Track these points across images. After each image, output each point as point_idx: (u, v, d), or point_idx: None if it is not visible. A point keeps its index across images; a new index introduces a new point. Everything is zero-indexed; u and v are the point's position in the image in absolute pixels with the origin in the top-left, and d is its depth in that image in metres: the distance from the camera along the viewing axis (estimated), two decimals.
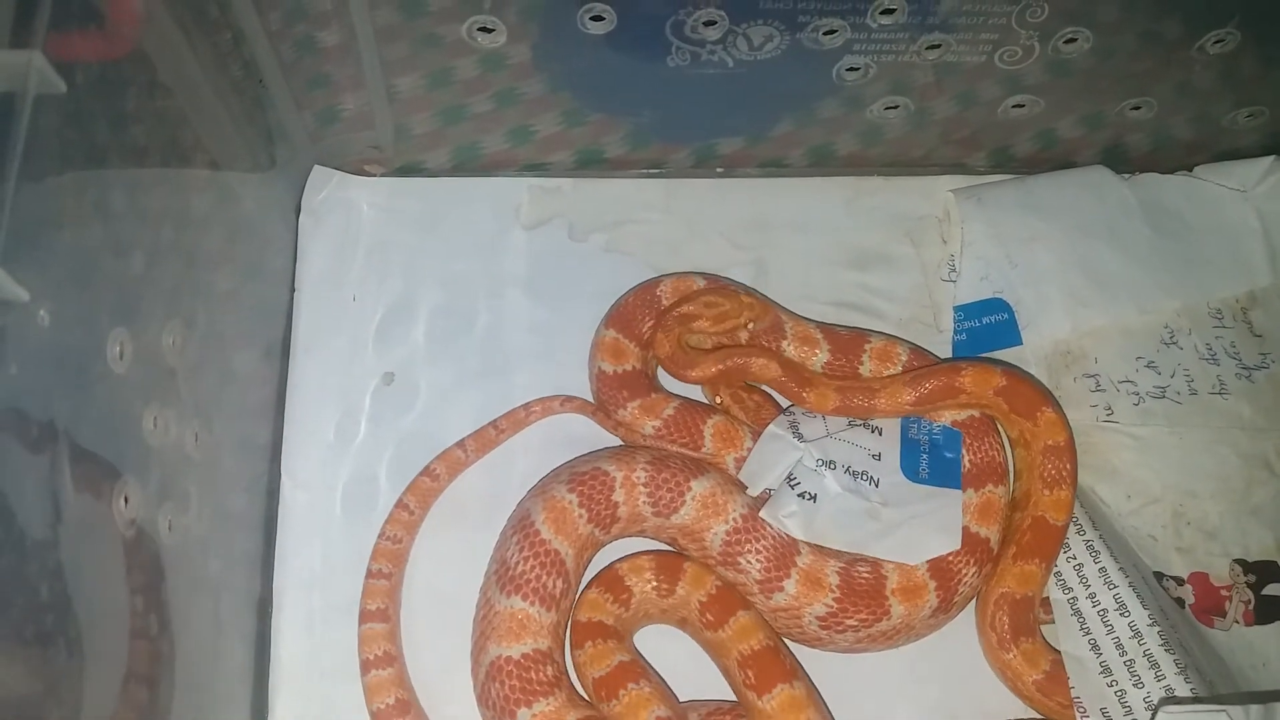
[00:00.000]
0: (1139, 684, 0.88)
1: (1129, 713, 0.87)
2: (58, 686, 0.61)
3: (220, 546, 0.87)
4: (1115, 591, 0.92)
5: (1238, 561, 1.01)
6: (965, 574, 0.93)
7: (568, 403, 1.03)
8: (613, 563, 0.95)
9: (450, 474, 1.00)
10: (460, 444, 1.01)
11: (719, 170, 1.16)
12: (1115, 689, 0.88)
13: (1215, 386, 1.07)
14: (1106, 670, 0.89)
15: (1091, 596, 0.93)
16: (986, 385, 0.97)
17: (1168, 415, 1.05)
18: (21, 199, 0.58)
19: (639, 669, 0.90)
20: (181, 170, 0.86)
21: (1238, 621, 0.98)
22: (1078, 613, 0.93)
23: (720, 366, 0.99)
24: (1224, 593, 0.99)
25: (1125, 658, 0.89)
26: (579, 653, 0.91)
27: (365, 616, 0.94)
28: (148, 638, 0.72)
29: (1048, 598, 0.96)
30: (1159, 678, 0.88)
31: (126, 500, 0.69)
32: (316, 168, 1.11)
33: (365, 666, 0.92)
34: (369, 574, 0.95)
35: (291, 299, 1.08)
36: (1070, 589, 0.94)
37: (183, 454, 0.80)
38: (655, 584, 0.93)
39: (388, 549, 0.96)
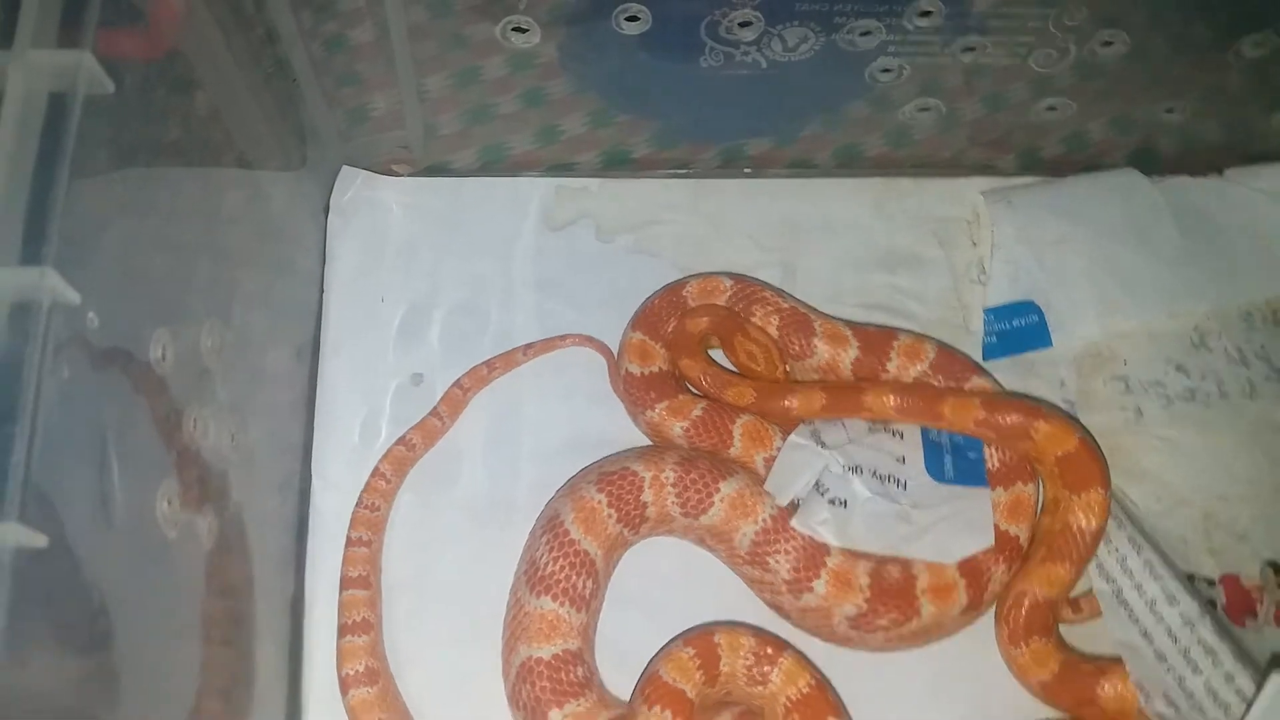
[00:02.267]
0: (1197, 670, 0.87)
1: (1190, 697, 0.86)
2: (106, 689, 0.61)
3: (256, 548, 0.87)
4: (1161, 583, 0.92)
5: (1270, 564, 1.00)
6: (995, 572, 0.93)
7: (567, 339, 1.04)
8: (712, 626, 0.92)
9: (426, 443, 1.01)
10: (434, 411, 1.02)
11: (746, 171, 1.15)
12: (1173, 675, 0.88)
13: (1245, 389, 1.06)
14: (1161, 658, 0.89)
15: (1138, 588, 0.92)
16: (967, 417, 0.95)
17: (1197, 418, 1.05)
18: (71, 201, 0.57)
19: None
20: (215, 169, 0.86)
21: (1269, 623, 0.98)
22: (1124, 603, 0.92)
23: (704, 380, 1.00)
24: (1255, 594, 0.98)
25: (1179, 645, 0.88)
26: (648, 711, 0.85)
27: (346, 583, 0.94)
28: (189, 640, 0.72)
29: (1080, 598, 0.96)
30: (1217, 664, 0.87)
31: (169, 502, 0.69)
32: (345, 167, 1.11)
33: (342, 630, 0.93)
34: (349, 542, 0.96)
35: (321, 299, 1.08)
36: (1114, 579, 0.94)
37: (220, 455, 0.80)
38: (750, 665, 0.88)
39: (366, 517, 0.97)
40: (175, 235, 0.76)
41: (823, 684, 0.88)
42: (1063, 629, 0.97)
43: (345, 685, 0.91)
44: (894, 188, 1.15)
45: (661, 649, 0.91)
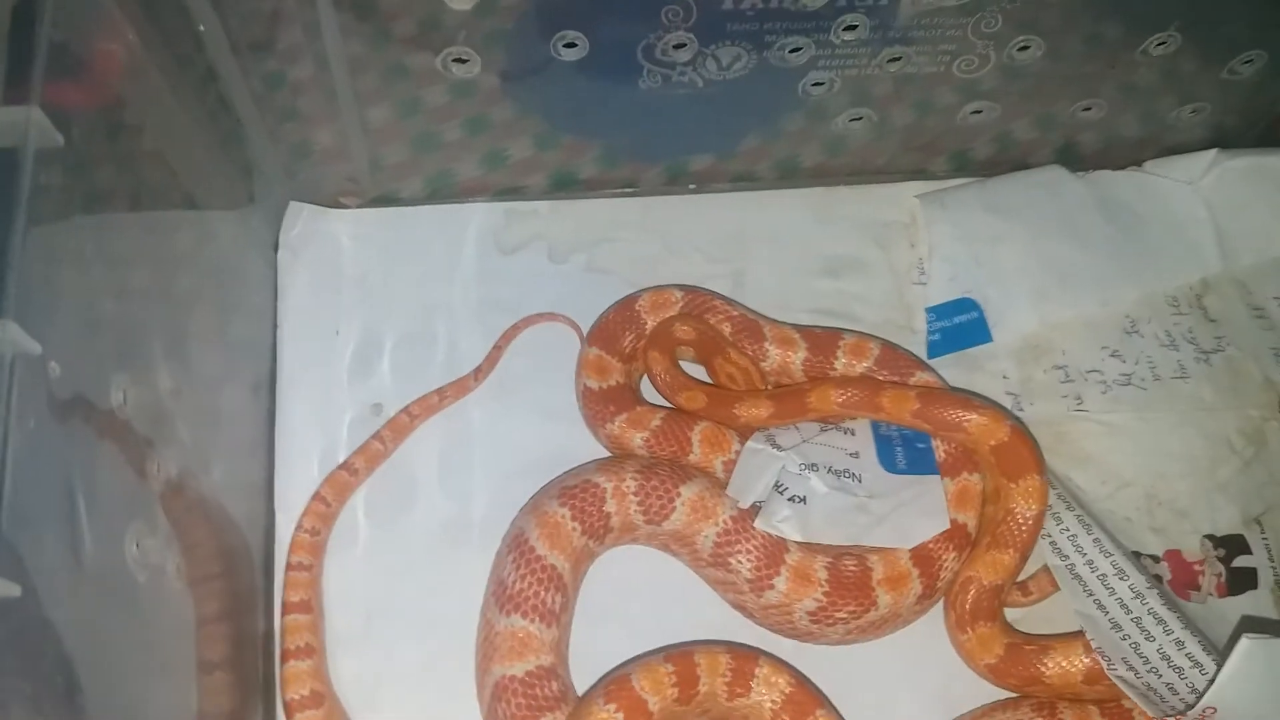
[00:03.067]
0: (1149, 638, 0.91)
1: (1146, 662, 0.90)
2: None
3: (224, 586, 0.87)
4: (1111, 559, 0.96)
5: (1208, 537, 1.05)
6: (946, 560, 0.96)
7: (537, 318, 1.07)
8: (691, 646, 0.93)
9: (369, 466, 1.02)
10: (378, 436, 1.03)
11: (691, 187, 1.18)
12: (1129, 642, 0.91)
13: (1177, 371, 1.11)
14: (1116, 626, 0.93)
15: (1090, 564, 0.96)
16: (904, 409, 0.98)
17: (1134, 401, 1.09)
18: (27, 252, 0.58)
19: None
20: (164, 211, 0.87)
21: (1212, 594, 1.02)
22: (1078, 577, 0.96)
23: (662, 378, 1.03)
24: (1197, 568, 1.03)
25: (1131, 615, 0.93)
26: (602, 706, 0.86)
27: (288, 608, 0.95)
28: (164, 678, 0.72)
29: (1028, 580, 1.00)
30: (1168, 632, 0.91)
31: (138, 545, 0.69)
32: (292, 202, 1.12)
33: (285, 656, 0.93)
34: (289, 566, 0.96)
35: (275, 335, 1.08)
36: (1067, 556, 0.97)
37: (185, 495, 0.81)
38: (729, 681, 0.89)
39: (306, 541, 0.98)
40: (128, 279, 0.77)
41: (802, 680, 0.90)
42: (1018, 612, 1.01)
43: (290, 710, 0.91)
44: (833, 196, 1.18)
45: (639, 656, 0.93)
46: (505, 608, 0.92)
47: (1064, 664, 0.93)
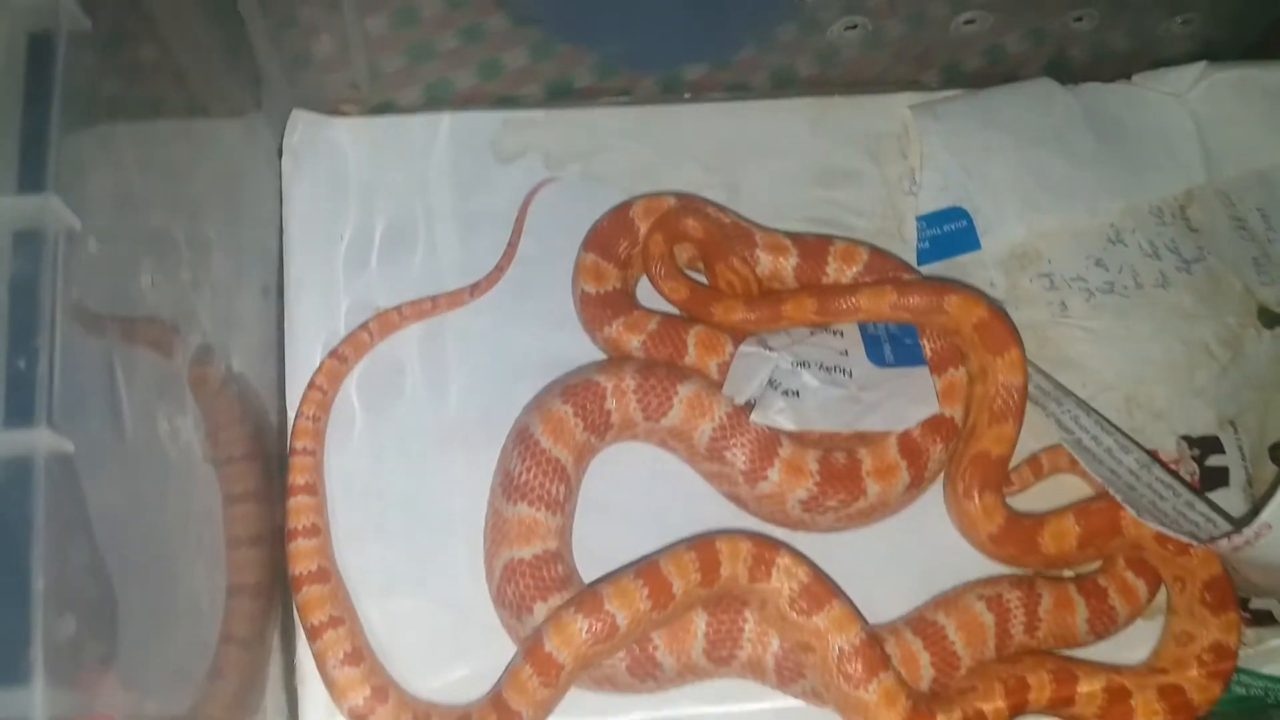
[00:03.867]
0: (1163, 498, 0.98)
1: (1166, 515, 0.96)
2: (120, 613, 0.64)
3: (247, 470, 0.90)
4: (1114, 436, 1.02)
5: (1184, 438, 1.09)
6: (933, 451, 1.00)
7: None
8: (714, 534, 0.95)
9: (356, 355, 1.06)
10: (364, 326, 1.06)
11: (687, 96, 1.19)
12: (1145, 500, 0.98)
13: (1158, 280, 1.14)
14: (1131, 488, 0.98)
15: (1095, 440, 1.02)
16: (882, 303, 1.02)
17: (1117, 309, 1.13)
18: (64, 132, 0.60)
19: None
20: (174, 120, 0.88)
21: None
22: (1086, 449, 1.01)
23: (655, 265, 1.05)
24: (1173, 466, 1.07)
25: (1142, 481, 0.99)
26: (632, 581, 0.91)
27: (293, 490, 0.98)
28: (201, 553, 0.76)
29: (1012, 471, 1.04)
30: (1177, 495, 0.98)
31: (168, 423, 0.72)
32: (295, 110, 1.13)
33: (291, 535, 0.97)
34: (293, 451, 1.00)
35: (281, 240, 1.10)
36: (1071, 430, 1.03)
37: (207, 384, 0.83)
38: (750, 567, 0.92)
39: (307, 427, 1.01)
40: (146, 179, 0.79)
41: (818, 573, 0.94)
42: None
43: (298, 584, 0.95)
44: (827, 106, 1.20)
45: (668, 546, 0.96)
46: (513, 497, 0.96)
47: (1059, 531, 0.99)
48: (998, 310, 1.03)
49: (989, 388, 1.01)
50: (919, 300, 1.02)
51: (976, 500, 1.00)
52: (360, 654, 0.94)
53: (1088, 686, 0.95)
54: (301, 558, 0.96)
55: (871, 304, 1.02)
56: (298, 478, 0.99)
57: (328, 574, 0.96)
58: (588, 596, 0.90)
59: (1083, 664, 0.98)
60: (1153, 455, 1.05)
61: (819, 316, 1.02)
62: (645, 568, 0.92)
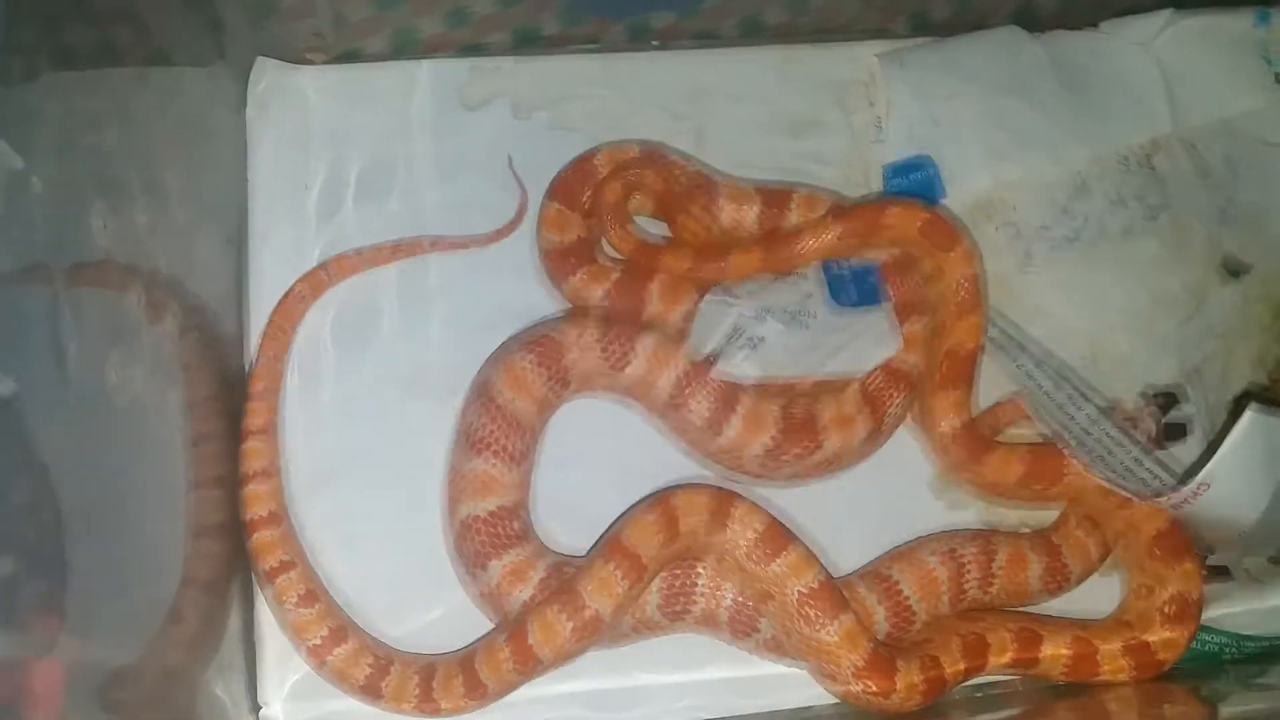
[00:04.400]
0: (1111, 453, 1.00)
1: (1117, 468, 0.99)
2: (69, 556, 0.65)
3: (208, 420, 0.91)
4: (1066, 391, 1.04)
5: (1148, 387, 1.09)
6: (893, 402, 1.01)
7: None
8: (671, 489, 0.97)
9: (314, 294, 1.06)
10: (323, 265, 1.06)
11: (654, 44, 1.19)
12: (1096, 455, 1.00)
13: (1124, 229, 1.14)
14: (1082, 442, 1.00)
15: (1047, 395, 1.04)
16: (825, 237, 1.02)
17: (1082, 258, 1.13)
18: (7, 71, 0.59)
19: None
20: (133, 62, 0.87)
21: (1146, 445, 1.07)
22: (1040, 401, 1.04)
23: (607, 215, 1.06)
24: (1132, 421, 1.06)
25: (1092, 436, 1.01)
26: (603, 564, 0.91)
27: (246, 434, 0.98)
28: (158, 501, 0.76)
29: (982, 415, 1.05)
30: (1127, 451, 1.00)
31: (118, 371, 0.72)
32: (259, 58, 1.12)
33: (244, 479, 0.97)
34: (250, 396, 1.00)
35: (245, 190, 1.09)
36: (1028, 380, 1.05)
37: (163, 331, 0.83)
38: (708, 520, 0.93)
39: (266, 368, 1.01)
40: (102, 121, 0.78)
41: (775, 521, 0.95)
42: None
43: (250, 528, 0.96)
44: (795, 55, 1.19)
45: (625, 513, 0.97)
46: (471, 451, 0.97)
47: (1004, 459, 1.00)
48: (941, 215, 1.04)
49: (947, 284, 1.03)
50: (859, 222, 1.03)
51: (948, 393, 1.01)
52: (316, 596, 0.95)
53: (1052, 649, 0.97)
54: (253, 501, 0.97)
55: (816, 241, 1.02)
56: (253, 420, 0.99)
57: (279, 518, 0.97)
58: (568, 594, 0.90)
59: (1047, 622, 1.00)
60: (1113, 407, 1.06)
61: (765, 265, 1.03)
62: (611, 546, 0.92)
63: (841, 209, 1.05)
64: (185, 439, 0.85)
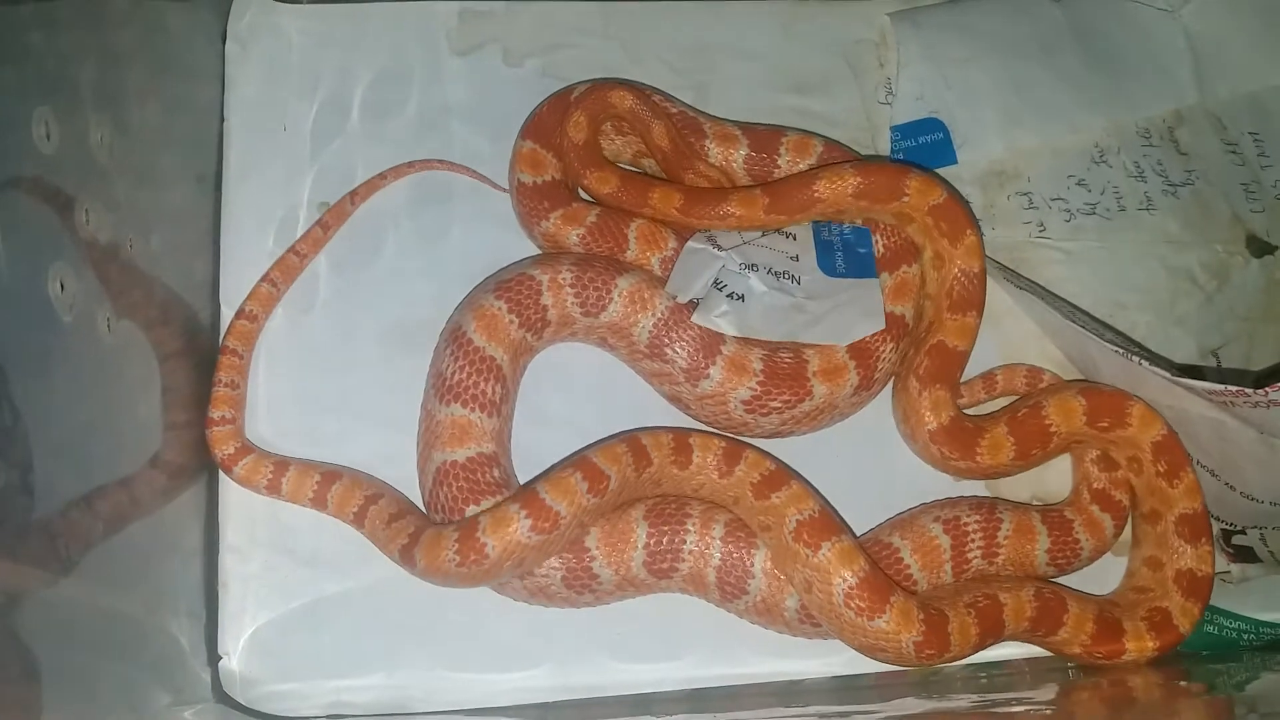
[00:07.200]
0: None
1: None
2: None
3: (164, 366, 0.86)
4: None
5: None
6: (883, 352, 0.96)
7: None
8: (637, 430, 0.94)
9: (313, 250, 1.02)
10: (320, 222, 1.02)
11: None
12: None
13: (1143, 203, 1.10)
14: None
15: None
16: (844, 188, 0.96)
17: (1097, 230, 1.08)
18: None
19: None
20: None
21: None
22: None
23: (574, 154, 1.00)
24: None
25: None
26: (570, 474, 0.88)
27: (216, 385, 0.96)
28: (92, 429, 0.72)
29: (975, 380, 1.02)
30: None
31: (63, 285, 0.68)
32: None
33: (215, 385, 0.95)
34: (239, 314, 0.98)
35: (221, 129, 1.05)
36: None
37: (119, 258, 0.79)
38: (672, 454, 0.91)
39: (244, 328, 0.98)
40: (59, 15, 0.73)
41: (734, 442, 0.92)
42: None
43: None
44: (803, 11, 1.15)
45: (595, 442, 0.93)
46: (445, 397, 0.92)
47: (995, 442, 0.96)
48: (956, 196, 0.98)
49: (946, 275, 0.97)
50: (881, 178, 0.96)
51: (927, 393, 0.96)
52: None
53: (1078, 608, 0.93)
54: (218, 404, 0.95)
55: (832, 190, 0.96)
56: (232, 341, 0.97)
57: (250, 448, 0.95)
58: (525, 493, 0.86)
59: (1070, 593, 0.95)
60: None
61: (769, 215, 0.97)
62: (579, 461, 0.89)
63: (864, 165, 0.98)
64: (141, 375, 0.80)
